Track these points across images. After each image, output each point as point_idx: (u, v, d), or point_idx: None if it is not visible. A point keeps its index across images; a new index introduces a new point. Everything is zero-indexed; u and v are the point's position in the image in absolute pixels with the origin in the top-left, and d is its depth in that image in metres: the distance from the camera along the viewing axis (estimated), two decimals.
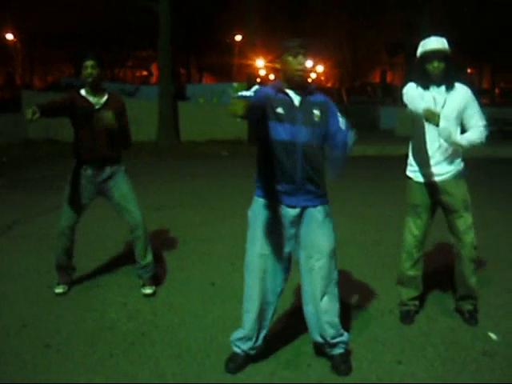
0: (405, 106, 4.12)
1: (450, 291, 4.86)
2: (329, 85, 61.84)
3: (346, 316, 4.40)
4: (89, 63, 4.68)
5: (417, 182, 4.30)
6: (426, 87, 4.16)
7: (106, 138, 4.73)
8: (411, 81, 4.30)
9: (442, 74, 4.10)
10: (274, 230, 3.50)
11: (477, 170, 10.90)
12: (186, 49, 36.77)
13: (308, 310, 3.63)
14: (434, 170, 4.19)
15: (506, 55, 35.52)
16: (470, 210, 4.22)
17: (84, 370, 3.64)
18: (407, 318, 4.37)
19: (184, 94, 22.29)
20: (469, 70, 45.90)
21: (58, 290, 4.96)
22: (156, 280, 5.13)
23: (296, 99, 3.39)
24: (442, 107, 4.08)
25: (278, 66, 3.44)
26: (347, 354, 3.70)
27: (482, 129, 4.12)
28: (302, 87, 3.41)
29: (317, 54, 48.01)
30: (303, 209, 3.48)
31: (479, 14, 29.59)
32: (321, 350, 3.73)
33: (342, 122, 3.44)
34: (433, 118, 3.79)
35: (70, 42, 37.92)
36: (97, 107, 4.74)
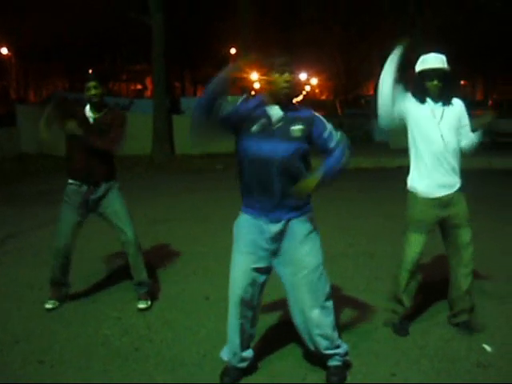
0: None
1: (445, 303, 4.88)
2: (323, 97, 62.14)
3: (340, 329, 4.40)
4: (91, 84, 4.73)
5: (422, 198, 4.24)
6: (424, 101, 4.21)
7: (99, 155, 4.75)
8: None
9: (440, 91, 4.16)
10: (256, 245, 3.50)
11: (470, 181, 10.90)
12: (181, 62, 36.93)
13: (298, 323, 3.63)
14: (440, 183, 4.19)
15: (498, 67, 35.80)
16: (470, 224, 4.25)
17: None
18: (402, 330, 4.37)
19: (178, 107, 22.34)
20: (462, 82, 46.19)
21: (48, 306, 4.94)
22: (151, 294, 5.12)
23: (277, 114, 3.41)
24: (441, 119, 4.14)
25: (263, 82, 3.47)
26: (343, 366, 3.69)
27: (473, 136, 4.27)
28: (286, 103, 3.44)
29: (311, 66, 48.25)
30: (286, 223, 3.46)
31: (472, 26, 29.82)
32: (318, 358, 3.73)
33: (333, 138, 3.42)
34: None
35: (63, 56, 38.02)
36: (91, 122, 4.79)
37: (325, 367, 3.70)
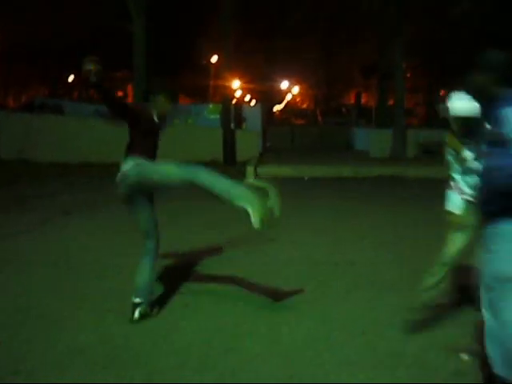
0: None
1: (419, 313, 4.93)
2: (304, 106, 62.34)
3: (320, 336, 4.41)
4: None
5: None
6: None
7: None
8: None
9: None
10: None
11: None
12: (162, 70, 36.85)
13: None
14: None
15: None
16: None
17: None
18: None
19: None
20: (441, 92, 46.64)
21: None
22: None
23: None
24: None
25: None
26: None
27: None
28: None
29: (292, 75, 48.47)
30: None
31: (451, 38, 30.23)
32: None
33: None
34: None
35: (44, 61, 37.80)
36: None
37: None
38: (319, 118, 40.68)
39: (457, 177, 4.63)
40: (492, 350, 3.36)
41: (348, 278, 6.06)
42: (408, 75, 32.94)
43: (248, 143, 19.24)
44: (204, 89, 41.68)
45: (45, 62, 38.66)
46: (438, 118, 35.26)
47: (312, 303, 5.22)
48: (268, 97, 42.85)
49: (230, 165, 17.56)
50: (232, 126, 18.98)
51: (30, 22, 31.51)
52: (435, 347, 4.27)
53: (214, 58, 37.37)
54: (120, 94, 51.07)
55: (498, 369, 3.32)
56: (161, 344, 4.35)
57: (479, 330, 3.74)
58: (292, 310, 5.06)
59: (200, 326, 4.67)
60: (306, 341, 4.37)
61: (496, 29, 26.28)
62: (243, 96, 49.75)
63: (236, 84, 29.27)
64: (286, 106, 61.05)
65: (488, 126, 3.15)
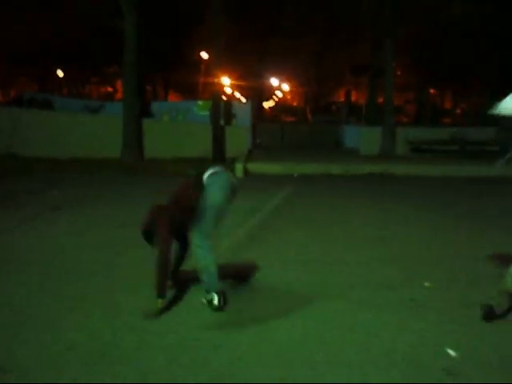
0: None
1: (415, 310, 4.95)
2: (295, 103, 62.39)
3: (315, 335, 4.41)
4: None
5: None
6: None
7: None
8: None
9: None
10: None
11: (442, 189, 11.09)
12: (153, 66, 36.78)
13: None
14: None
15: (466, 77, 36.39)
16: None
17: None
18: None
19: (149, 110, 22.28)
20: (432, 91, 46.82)
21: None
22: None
23: None
24: None
25: None
26: None
27: None
28: None
29: (283, 72, 48.49)
30: None
31: (446, 39, 30.41)
32: None
33: None
34: None
35: (35, 57, 37.62)
36: None
37: None
38: (309, 116, 40.77)
39: None
40: None
41: (342, 277, 5.99)
42: (398, 73, 33.08)
43: (237, 140, 19.25)
44: (194, 85, 41.61)
45: (45, 61, 38.55)
46: (427, 116, 35.49)
47: (306, 303, 5.21)
48: (258, 93, 42.87)
49: (219, 161, 17.54)
50: (221, 122, 18.98)
51: (30, 22, 31.43)
52: (422, 344, 4.27)
53: (205, 55, 37.31)
54: (110, 89, 51.00)
55: None
56: (149, 340, 4.31)
57: None
58: (286, 309, 5.05)
59: (188, 324, 4.65)
60: (300, 340, 4.36)
61: (496, 29, 26.44)
62: (233, 93, 49.76)
63: (226, 81, 29.22)
64: (276, 103, 61.09)
65: None
